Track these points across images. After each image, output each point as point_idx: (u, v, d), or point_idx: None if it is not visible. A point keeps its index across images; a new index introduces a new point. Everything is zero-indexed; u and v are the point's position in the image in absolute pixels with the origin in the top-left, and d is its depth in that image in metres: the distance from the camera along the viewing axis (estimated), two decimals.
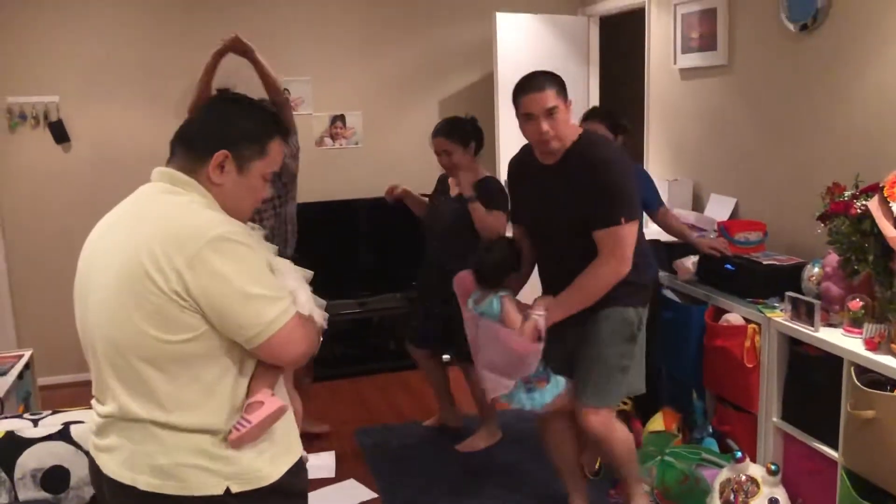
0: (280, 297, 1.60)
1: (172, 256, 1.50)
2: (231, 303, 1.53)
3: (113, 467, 1.60)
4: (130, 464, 1.58)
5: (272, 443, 1.65)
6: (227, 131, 1.65)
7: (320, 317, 1.81)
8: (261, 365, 1.65)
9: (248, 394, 1.62)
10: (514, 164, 2.97)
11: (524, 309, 2.80)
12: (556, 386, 2.81)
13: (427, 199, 3.91)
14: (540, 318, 2.69)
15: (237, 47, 3.76)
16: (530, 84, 2.67)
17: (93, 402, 1.72)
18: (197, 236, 1.52)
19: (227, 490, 1.58)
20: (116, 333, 1.56)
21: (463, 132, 3.59)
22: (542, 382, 2.80)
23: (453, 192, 3.68)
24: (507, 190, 3.22)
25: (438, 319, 3.67)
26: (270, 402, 1.62)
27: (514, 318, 2.77)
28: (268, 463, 1.63)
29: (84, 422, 2.33)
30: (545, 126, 2.61)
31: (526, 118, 2.66)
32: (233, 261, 1.53)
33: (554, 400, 2.81)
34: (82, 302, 1.65)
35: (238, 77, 4.72)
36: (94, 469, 1.68)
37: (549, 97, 2.62)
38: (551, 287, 2.84)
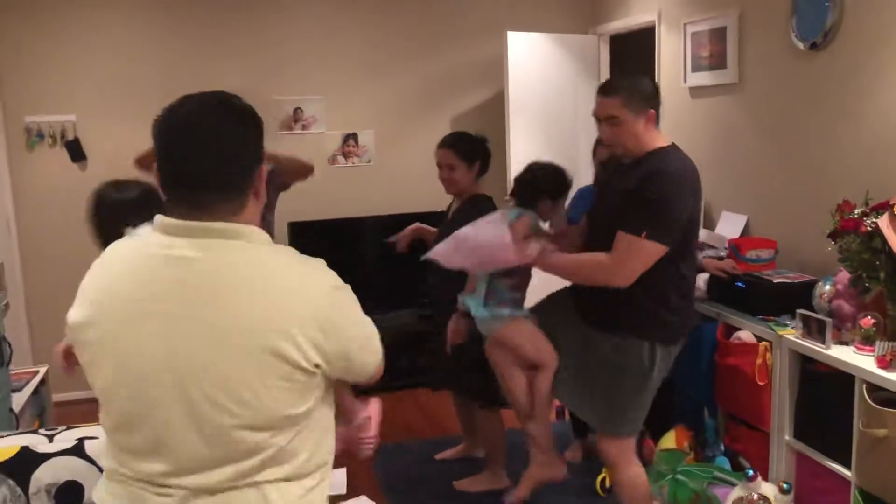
0: (370, 321, 1.55)
1: (301, 329, 1.36)
2: (359, 349, 1.49)
3: None
4: None
5: None
6: (250, 147, 1.44)
7: None
8: (341, 390, 1.64)
9: (343, 410, 1.62)
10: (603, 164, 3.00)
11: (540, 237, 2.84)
12: (512, 317, 2.90)
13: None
14: (537, 245, 2.71)
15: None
16: (601, 87, 2.71)
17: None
18: (318, 297, 1.40)
19: None
20: (234, 411, 1.36)
21: (470, 149, 3.44)
22: (502, 305, 2.92)
23: (451, 213, 3.56)
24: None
25: (467, 363, 3.42)
26: (374, 411, 1.68)
27: (518, 233, 2.76)
28: None
29: (98, 437, 2.34)
30: (607, 133, 2.63)
31: (595, 120, 2.69)
32: (352, 310, 1.48)
33: (501, 327, 2.91)
34: (149, 395, 1.38)
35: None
36: None
37: (611, 105, 2.59)
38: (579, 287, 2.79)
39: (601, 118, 2.62)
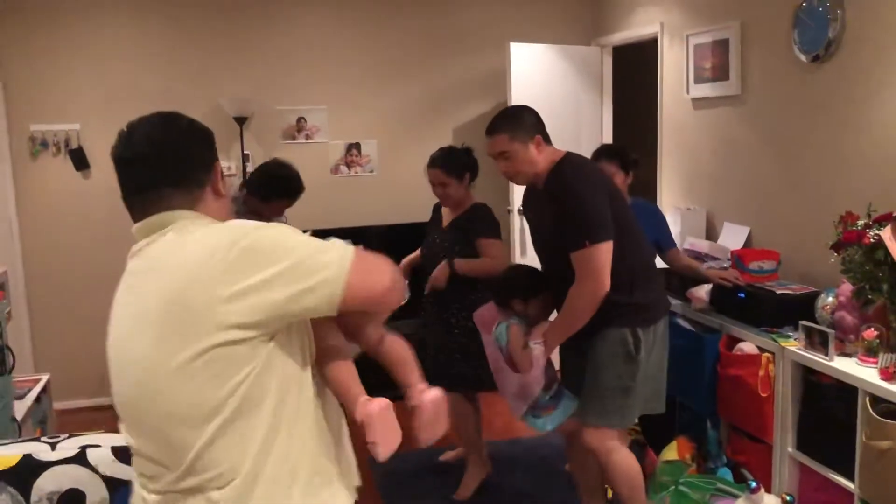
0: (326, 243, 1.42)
1: (223, 289, 1.31)
2: (301, 264, 1.35)
3: None
4: None
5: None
6: (194, 148, 1.49)
7: None
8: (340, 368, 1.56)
9: (353, 411, 1.53)
10: (526, 189, 3.05)
11: (536, 337, 2.86)
12: (564, 412, 2.88)
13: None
14: (537, 346, 2.81)
15: None
16: (487, 129, 2.87)
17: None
18: (216, 260, 1.34)
19: None
20: (166, 405, 1.38)
21: (459, 165, 3.59)
22: (548, 410, 2.89)
23: (445, 221, 3.69)
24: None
25: (458, 353, 3.61)
26: (376, 414, 1.53)
27: (515, 347, 2.86)
28: None
29: (101, 446, 2.34)
30: (503, 167, 2.83)
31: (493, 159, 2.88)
32: (283, 238, 1.38)
33: (565, 422, 2.90)
34: (116, 388, 1.47)
35: (254, 102, 4.80)
36: None
37: (500, 142, 2.80)
38: (560, 308, 2.88)
39: (495, 156, 2.84)
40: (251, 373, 1.35)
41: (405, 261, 3.85)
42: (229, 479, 1.37)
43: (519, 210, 5.07)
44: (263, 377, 1.36)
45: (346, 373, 1.56)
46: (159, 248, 1.41)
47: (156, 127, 1.48)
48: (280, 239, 1.37)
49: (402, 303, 1.54)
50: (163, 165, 1.44)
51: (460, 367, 3.57)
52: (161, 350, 1.34)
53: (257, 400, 1.36)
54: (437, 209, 3.86)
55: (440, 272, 3.54)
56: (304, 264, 1.35)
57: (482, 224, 3.58)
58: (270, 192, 3.56)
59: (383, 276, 1.44)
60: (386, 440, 1.53)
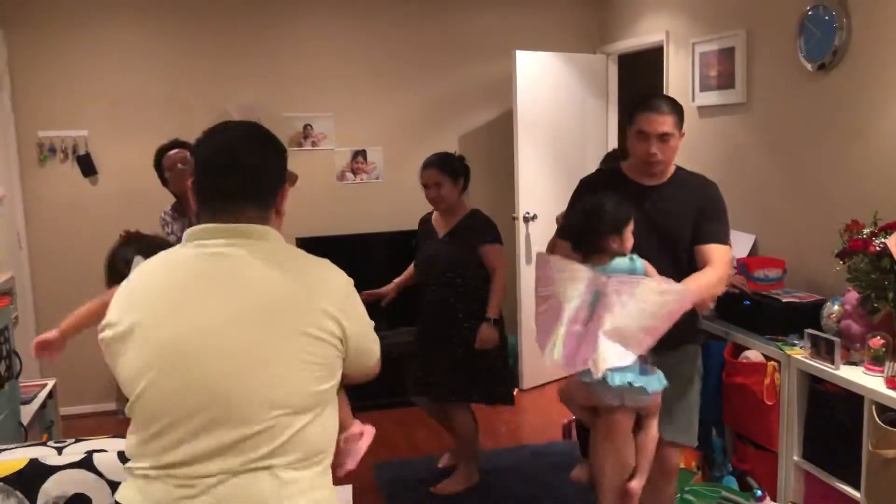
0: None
1: (328, 306, 1.55)
2: (367, 341, 1.68)
3: None
4: None
5: None
6: (276, 169, 1.66)
7: None
8: (341, 398, 1.73)
9: (340, 422, 1.70)
10: (601, 182, 2.82)
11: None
12: (661, 381, 2.51)
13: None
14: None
15: None
16: (650, 104, 2.68)
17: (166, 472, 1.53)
18: (340, 284, 1.63)
19: None
20: (265, 389, 1.48)
21: (454, 166, 3.64)
22: (654, 368, 2.52)
23: (440, 232, 3.69)
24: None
25: (453, 363, 3.60)
26: (368, 431, 1.81)
27: (653, 274, 2.50)
28: None
29: (107, 451, 2.35)
30: (658, 147, 2.64)
31: (639, 136, 2.67)
32: (359, 301, 1.67)
33: (653, 394, 2.50)
34: (183, 371, 1.49)
35: (261, 109, 4.83)
36: None
37: (669, 123, 2.65)
38: None
39: (657, 136, 2.64)
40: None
41: (394, 283, 3.89)
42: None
43: (525, 217, 5.07)
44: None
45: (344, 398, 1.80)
46: (249, 254, 1.55)
47: (246, 142, 1.64)
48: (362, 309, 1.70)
49: None
50: (244, 181, 1.60)
51: (461, 378, 3.59)
52: (267, 340, 1.50)
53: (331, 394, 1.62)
54: (424, 222, 3.84)
55: (490, 335, 3.51)
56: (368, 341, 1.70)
57: (485, 230, 3.59)
58: None
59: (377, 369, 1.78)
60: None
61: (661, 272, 2.53)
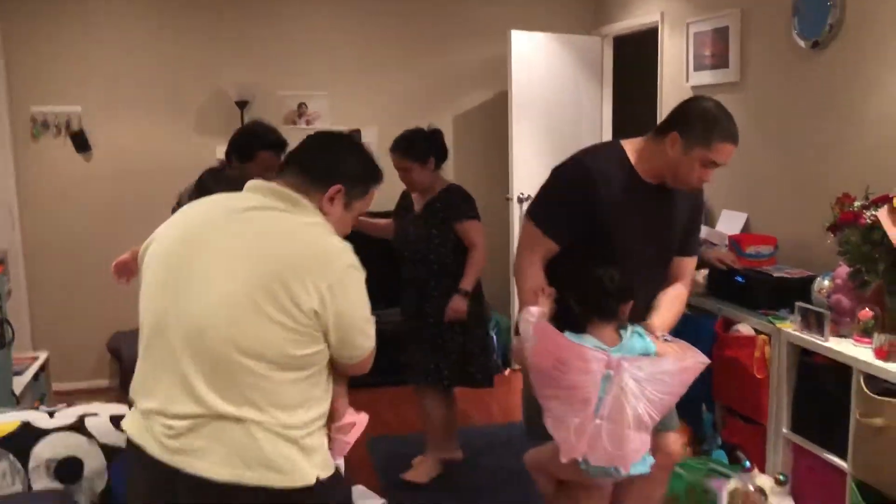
0: (371, 315, 1.79)
1: (317, 278, 1.62)
2: (353, 331, 1.72)
3: (206, 466, 1.60)
4: (230, 461, 1.60)
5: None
6: (345, 169, 1.82)
7: None
8: (337, 384, 1.81)
9: (333, 412, 1.80)
10: (604, 174, 2.43)
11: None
12: (645, 463, 2.35)
13: (391, 217, 3.74)
14: (672, 340, 2.42)
15: None
16: (733, 134, 2.39)
17: (139, 398, 1.72)
18: (337, 262, 1.68)
19: (317, 478, 1.68)
20: (237, 334, 1.60)
21: (420, 148, 3.44)
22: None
23: (417, 206, 3.56)
24: (565, 197, 2.48)
25: (426, 343, 3.54)
26: (360, 420, 1.89)
27: (666, 347, 2.36)
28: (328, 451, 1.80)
29: (99, 414, 2.36)
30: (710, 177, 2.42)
31: (706, 164, 2.37)
32: (359, 289, 1.73)
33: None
34: (172, 288, 1.67)
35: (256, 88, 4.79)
36: (154, 470, 1.65)
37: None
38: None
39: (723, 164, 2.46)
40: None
41: (369, 221, 3.66)
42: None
43: (519, 197, 5.07)
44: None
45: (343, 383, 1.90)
46: (283, 220, 1.71)
47: (341, 136, 2.05)
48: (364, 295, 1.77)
49: None
50: (316, 164, 1.81)
51: (434, 360, 3.52)
52: (255, 295, 1.61)
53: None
54: (405, 195, 3.68)
55: (460, 305, 3.38)
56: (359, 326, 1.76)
57: (461, 206, 3.46)
58: (256, 146, 3.26)
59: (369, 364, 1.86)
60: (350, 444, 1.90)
61: (654, 280, 2.53)
